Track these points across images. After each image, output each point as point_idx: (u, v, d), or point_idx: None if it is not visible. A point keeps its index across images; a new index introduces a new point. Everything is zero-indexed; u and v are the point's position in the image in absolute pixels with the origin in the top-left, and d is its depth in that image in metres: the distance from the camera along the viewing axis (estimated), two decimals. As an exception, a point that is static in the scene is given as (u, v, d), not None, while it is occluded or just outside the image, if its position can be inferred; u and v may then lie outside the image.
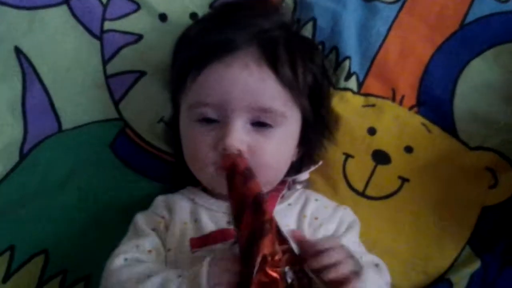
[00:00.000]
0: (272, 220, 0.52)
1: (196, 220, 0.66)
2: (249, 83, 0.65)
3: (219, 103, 0.65)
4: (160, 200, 0.71)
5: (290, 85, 0.66)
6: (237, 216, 0.53)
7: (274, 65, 0.66)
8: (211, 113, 0.66)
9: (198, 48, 0.68)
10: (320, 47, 0.80)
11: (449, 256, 0.75)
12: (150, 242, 0.64)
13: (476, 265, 0.73)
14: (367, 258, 0.63)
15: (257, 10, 0.72)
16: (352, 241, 0.67)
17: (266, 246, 0.49)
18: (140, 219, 0.69)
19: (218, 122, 0.66)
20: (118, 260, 0.60)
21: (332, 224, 0.69)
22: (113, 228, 0.70)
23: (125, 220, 0.70)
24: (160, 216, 0.68)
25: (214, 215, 0.66)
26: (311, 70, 0.70)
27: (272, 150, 0.66)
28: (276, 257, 0.51)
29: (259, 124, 0.66)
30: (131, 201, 0.77)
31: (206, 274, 0.52)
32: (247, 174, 0.56)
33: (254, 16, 0.70)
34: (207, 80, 0.66)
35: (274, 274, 0.49)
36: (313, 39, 0.80)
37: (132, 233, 0.68)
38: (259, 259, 0.49)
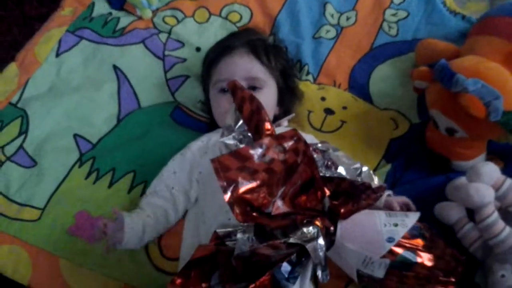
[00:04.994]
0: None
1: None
2: (244, 65, 1.12)
3: (229, 78, 1.06)
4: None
5: (266, 66, 1.14)
6: (239, 108, 0.89)
7: (257, 56, 1.14)
8: (225, 86, 1.08)
9: (216, 51, 1.18)
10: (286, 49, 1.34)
11: (372, 164, 1.18)
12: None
13: (388, 167, 1.18)
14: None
15: (248, 32, 1.28)
16: None
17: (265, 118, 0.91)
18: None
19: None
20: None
21: (306, 138, 1.06)
22: (170, 156, 1.10)
23: (176, 153, 1.11)
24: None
25: None
26: (280, 60, 1.20)
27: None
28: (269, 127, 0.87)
29: (252, 88, 1.10)
30: (181, 142, 1.14)
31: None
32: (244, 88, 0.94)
33: (246, 34, 1.24)
34: (221, 67, 1.13)
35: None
36: (281, 46, 1.33)
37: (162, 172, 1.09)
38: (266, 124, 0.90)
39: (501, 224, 0.96)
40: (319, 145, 1.01)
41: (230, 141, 0.90)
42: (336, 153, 1.00)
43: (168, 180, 1.07)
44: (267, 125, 0.90)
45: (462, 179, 1.05)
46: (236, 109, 0.92)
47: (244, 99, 0.92)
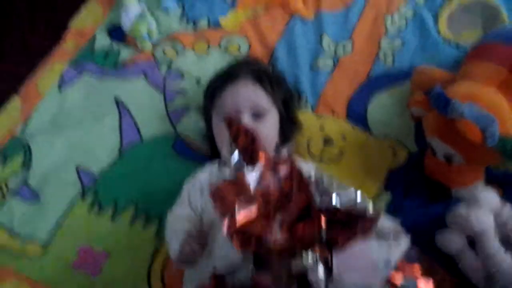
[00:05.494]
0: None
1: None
2: (248, 93, 1.14)
3: (234, 107, 1.11)
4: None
5: (270, 94, 1.15)
6: (234, 138, 0.91)
7: (261, 84, 1.16)
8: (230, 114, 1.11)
9: (220, 81, 1.20)
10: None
11: (371, 193, 1.19)
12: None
13: (387, 196, 1.19)
14: None
15: (250, 61, 1.31)
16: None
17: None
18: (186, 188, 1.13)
19: None
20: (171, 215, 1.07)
21: (307, 167, 1.12)
22: (172, 189, 1.12)
23: (178, 185, 1.12)
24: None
25: None
26: (281, 89, 1.23)
27: (264, 130, 1.10)
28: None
29: (256, 115, 1.12)
30: (183, 174, 1.16)
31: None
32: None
33: (247, 63, 1.27)
34: (226, 95, 1.15)
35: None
36: (281, 76, 1.34)
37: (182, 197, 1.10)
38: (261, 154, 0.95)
39: (502, 253, 0.97)
40: (312, 173, 1.03)
41: (227, 173, 0.92)
42: (330, 181, 1.02)
43: (191, 206, 1.08)
44: (262, 155, 0.91)
45: (462, 206, 1.06)
46: (231, 142, 0.93)
47: (239, 131, 0.94)
